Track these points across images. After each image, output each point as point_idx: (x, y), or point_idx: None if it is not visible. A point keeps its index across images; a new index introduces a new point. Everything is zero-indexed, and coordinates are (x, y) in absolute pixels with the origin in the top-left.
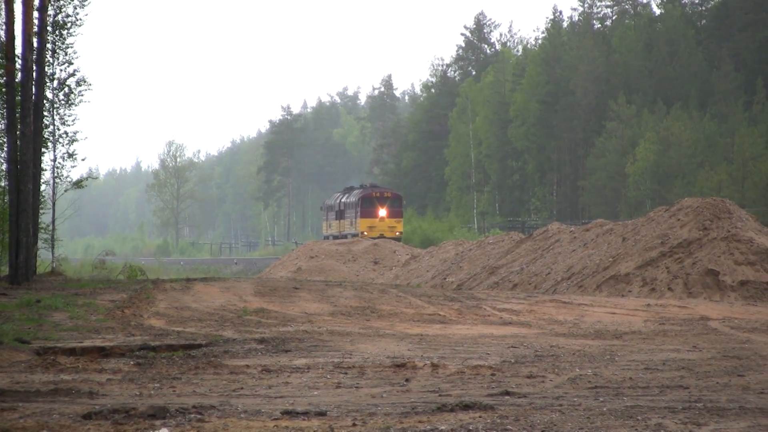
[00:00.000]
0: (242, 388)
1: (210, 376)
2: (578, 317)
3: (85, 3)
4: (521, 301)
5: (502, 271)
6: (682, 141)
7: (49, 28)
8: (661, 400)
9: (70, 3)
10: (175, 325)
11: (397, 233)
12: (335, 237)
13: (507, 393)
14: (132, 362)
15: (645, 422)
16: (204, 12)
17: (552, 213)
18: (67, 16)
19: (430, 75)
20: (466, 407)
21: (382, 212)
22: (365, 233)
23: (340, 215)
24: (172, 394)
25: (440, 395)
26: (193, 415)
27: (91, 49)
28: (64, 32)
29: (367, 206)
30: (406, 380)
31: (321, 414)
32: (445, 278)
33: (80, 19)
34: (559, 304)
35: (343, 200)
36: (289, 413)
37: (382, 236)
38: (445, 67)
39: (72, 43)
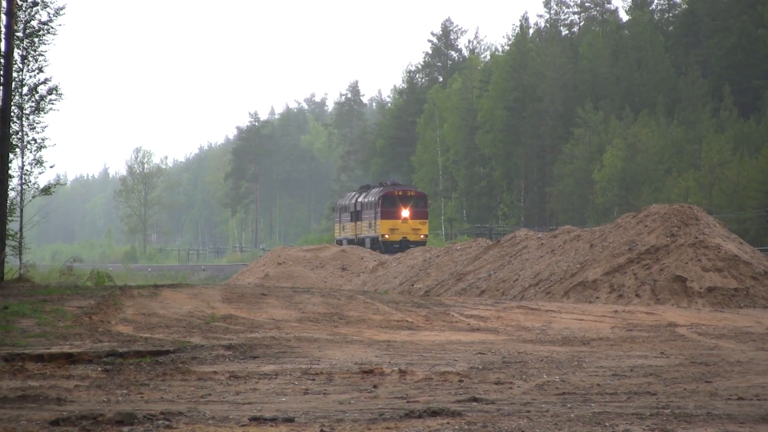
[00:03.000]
0: (210, 395)
1: (178, 383)
2: (546, 324)
3: (60, 12)
4: (489, 308)
5: (469, 278)
6: (649, 147)
7: (20, 34)
8: (629, 407)
9: (44, 9)
10: (143, 332)
11: (422, 236)
12: (350, 241)
13: (475, 399)
14: (100, 369)
15: (612, 428)
16: (172, 19)
17: (519, 219)
18: (42, 23)
19: (402, 81)
20: (434, 413)
21: (405, 213)
22: (386, 236)
23: (356, 216)
24: (140, 400)
25: (408, 401)
26: (160, 422)
27: (59, 55)
28: (36, 39)
29: (388, 206)
30: (374, 386)
31: (289, 420)
32: (412, 285)
33: (53, 28)
34: (527, 310)
35: (360, 200)
36: (256, 419)
37: (405, 239)
38: (412, 73)
39: (45, 51)
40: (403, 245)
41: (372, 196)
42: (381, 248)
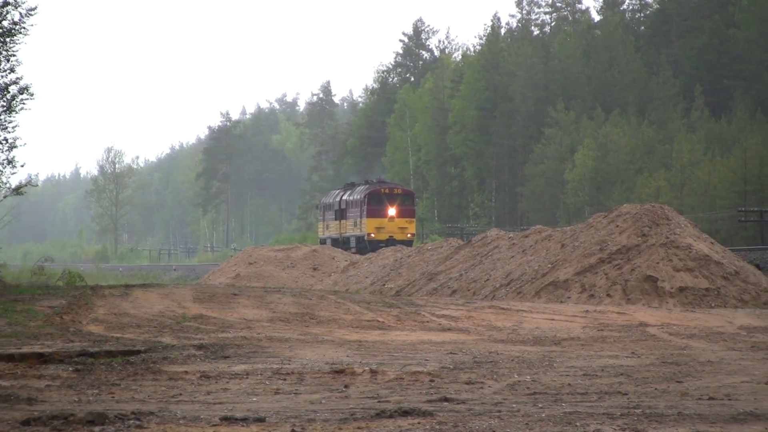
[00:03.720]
0: (181, 395)
1: (149, 383)
2: (517, 323)
3: (32, 13)
4: (460, 308)
5: (440, 278)
6: (620, 147)
7: None
8: (600, 407)
9: (16, 9)
10: (114, 332)
11: (409, 235)
12: (335, 240)
13: (446, 399)
14: (71, 368)
15: (584, 428)
16: (142, 18)
17: (491, 219)
18: (13, 23)
19: (374, 81)
20: (405, 413)
21: (392, 211)
22: (372, 235)
23: (341, 215)
24: (111, 400)
25: (379, 401)
26: (131, 421)
27: (30, 54)
28: (8, 40)
29: (374, 204)
30: (345, 386)
31: (260, 420)
32: (384, 284)
33: (25, 28)
34: (498, 310)
35: (345, 198)
36: (227, 419)
37: (391, 239)
38: (384, 73)
39: (16, 51)
40: (390, 244)
41: (357, 194)
42: (367, 247)
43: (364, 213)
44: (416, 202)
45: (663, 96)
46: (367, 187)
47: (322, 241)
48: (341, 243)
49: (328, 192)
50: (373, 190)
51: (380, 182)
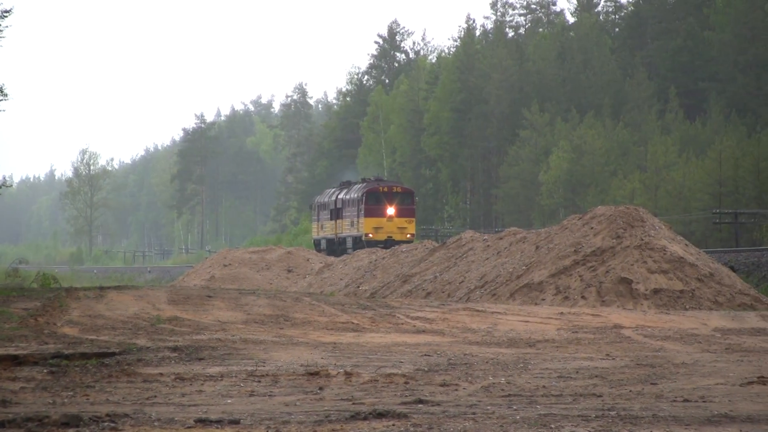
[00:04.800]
0: (156, 397)
1: (123, 385)
2: (491, 325)
3: (7, 14)
4: (435, 310)
5: (415, 280)
6: (595, 149)
7: None
8: (575, 409)
9: None
10: (89, 334)
11: (408, 235)
12: (330, 241)
13: (420, 401)
14: (45, 370)
15: (558, 430)
16: (117, 19)
17: (465, 221)
18: None
19: (347, 83)
20: (380, 415)
21: (391, 210)
22: (370, 235)
23: (336, 214)
24: (86, 402)
25: (354, 403)
26: (106, 424)
27: (4, 56)
28: None
29: (372, 203)
30: (320, 388)
31: (234, 422)
32: (358, 286)
33: (0, 30)
34: (473, 312)
35: (340, 196)
36: (202, 421)
37: (390, 239)
38: (359, 75)
39: None
40: (389, 245)
41: (354, 193)
42: (365, 248)
43: (362, 212)
44: (416, 201)
45: (638, 98)
46: (364, 185)
47: (316, 242)
48: (337, 244)
49: (323, 191)
50: (371, 188)
51: (378, 180)
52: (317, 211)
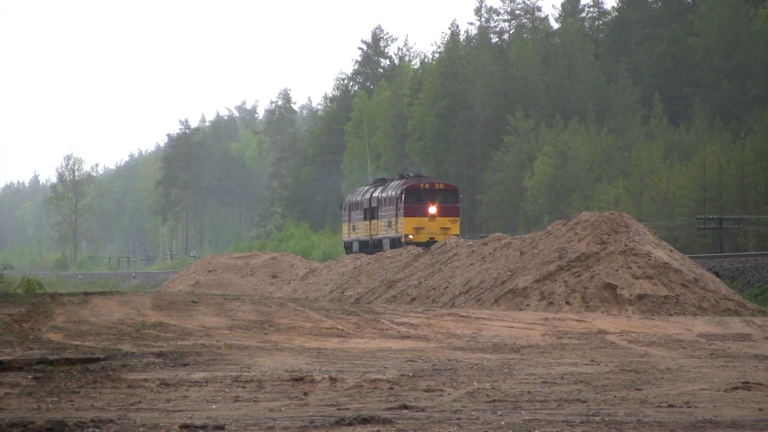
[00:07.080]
0: (140, 402)
1: (108, 390)
2: (476, 331)
3: None
4: (419, 315)
5: (400, 285)
6: (579, 155)
7: None
8: (559, 414)
9: None
10: (74, 339)
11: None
12: (363, 243)
13: (405, 407)
14: (30, 376)
15: None
16: (102, 23)
17: None
18: None
19: (334, 88)
20: (365, 421)
21: (433, 209)
22: (410, 236)
23: (371, 214)
24: (71, 408)
25: (338, 409)
26: (91, 429)
27: None
28: None
29: (412, 201)
30: (305, 394)
31: (219, 428)
32: (343, 292)
33: None
34: (457, 317)
35: (375, 194)
36: (187, 427)
37: (432, 240)
38: (343, 80)
39: None
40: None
41: (392, 190)
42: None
43: (401, 211)
44: (460, 199)
45: (622, 104)
46: (403, 182)
47: (347, 245)
48: (372, 246)
49: (355, 189)
50: (411, 185)
51: (418, 176)
52: (348, 211)
